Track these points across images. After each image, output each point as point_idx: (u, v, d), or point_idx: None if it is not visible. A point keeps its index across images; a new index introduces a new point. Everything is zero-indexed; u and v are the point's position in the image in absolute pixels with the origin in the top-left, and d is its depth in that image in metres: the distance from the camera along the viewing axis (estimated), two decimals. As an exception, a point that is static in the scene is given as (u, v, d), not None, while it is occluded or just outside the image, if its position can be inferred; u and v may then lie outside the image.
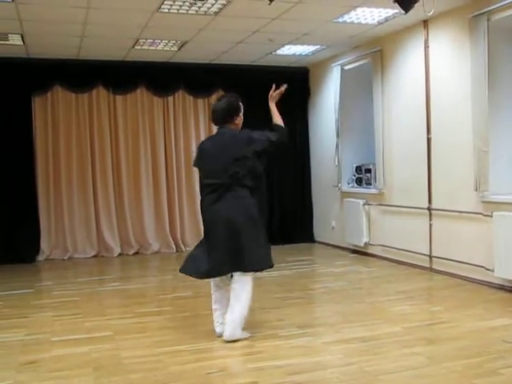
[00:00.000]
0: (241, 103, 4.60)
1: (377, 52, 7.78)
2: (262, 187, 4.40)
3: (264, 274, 6.84)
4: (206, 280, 4.61)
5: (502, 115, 6.11)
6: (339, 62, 8.63)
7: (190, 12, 6.23)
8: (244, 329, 4.46)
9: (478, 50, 5.97)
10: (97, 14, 6.19)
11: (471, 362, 3.82)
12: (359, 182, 8.58)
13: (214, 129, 9.41)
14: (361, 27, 7.13)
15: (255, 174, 4.49)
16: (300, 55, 8.77)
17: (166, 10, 6.15)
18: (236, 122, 4.57)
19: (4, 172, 8.35)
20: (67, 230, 8.71)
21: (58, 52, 8.00)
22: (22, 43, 7.40)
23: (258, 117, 9.36)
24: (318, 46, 8.23)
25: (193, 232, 9.32)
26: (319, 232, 9.74)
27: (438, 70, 6.77)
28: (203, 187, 4.58)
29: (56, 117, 8.68)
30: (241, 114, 4.59)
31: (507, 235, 5.66)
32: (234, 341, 4.35)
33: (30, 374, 3.83)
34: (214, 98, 9.41)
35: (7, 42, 7.33)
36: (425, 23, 6.88)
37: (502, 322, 4.77)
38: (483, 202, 6.11)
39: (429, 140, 6.94)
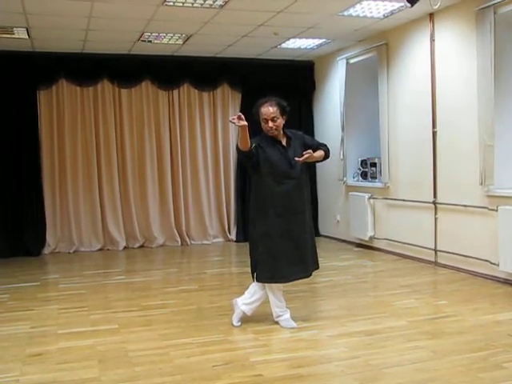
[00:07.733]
0: (257, 108, 4.60)
1: (382, 45, 7.76)
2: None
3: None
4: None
5: (508, 109, 6.09)
6: (344, 56, 8.60)
7: (195, 5, 6.22)
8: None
9: (484, 44, 5.94)
10: (102, 7, 6.19)
11: (476, 356, 3.82)
12: (364, 175, 8.57)
13: (219, 122, 9.53)
14: (366, 21, 7.11)
15: None
16: (305, 49, 8.75)
17: (171, 3, 6.15)
18: None
19: (10, 165, 8.38)
20: (73, 223, 8.73)
21: (63, 45, 8.00)
22: (27, 37, 7.40)
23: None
24: (324, 40, 8.21)
25: (198, 225, 9.36)
26: (324, 226, 9.73)
27: (443, 63, 6.75)
28: None
29: (61, 110, 8.69)
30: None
31: (512, 229, 5.66)
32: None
33: (36, 366, 3.85)
34: (218, 91, 9.43)
35: (13, 36, 7.33)
36: (431, 16, 6.85)
37: (506, 316, 4.77)
38: (488, 196, 6.10)
39: (434, 134, 6.93)
